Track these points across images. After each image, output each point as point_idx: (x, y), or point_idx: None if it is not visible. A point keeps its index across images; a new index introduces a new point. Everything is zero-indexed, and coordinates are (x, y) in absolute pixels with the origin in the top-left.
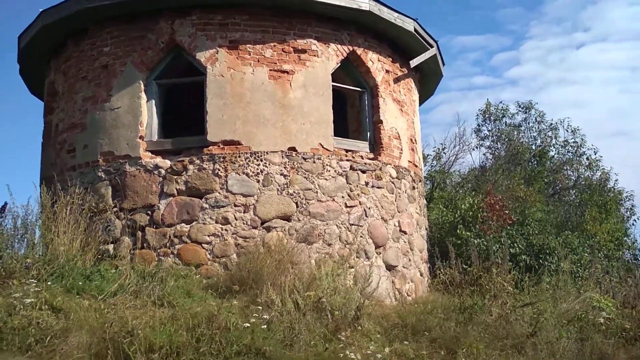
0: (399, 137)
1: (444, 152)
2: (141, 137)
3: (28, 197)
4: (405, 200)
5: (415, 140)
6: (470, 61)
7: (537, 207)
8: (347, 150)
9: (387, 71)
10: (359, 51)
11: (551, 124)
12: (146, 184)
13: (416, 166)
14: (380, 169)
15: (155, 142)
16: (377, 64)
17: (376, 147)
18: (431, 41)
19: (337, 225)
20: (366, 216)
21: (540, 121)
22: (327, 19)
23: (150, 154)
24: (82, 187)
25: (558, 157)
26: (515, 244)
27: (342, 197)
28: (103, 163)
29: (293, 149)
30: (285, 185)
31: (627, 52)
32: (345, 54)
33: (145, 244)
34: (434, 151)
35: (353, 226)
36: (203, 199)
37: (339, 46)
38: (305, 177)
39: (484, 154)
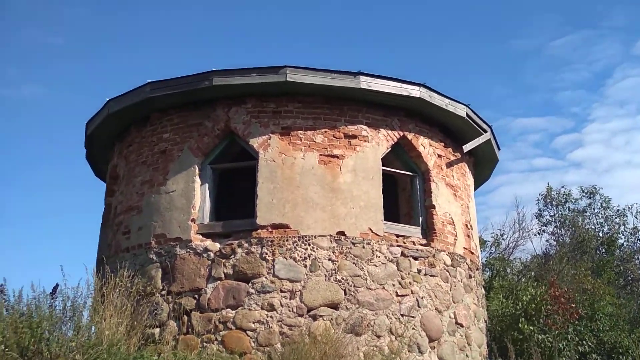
0: (453, 222)
1: (503, 239)
2: (193, 220)
3: (79, 279)
4: (461, 289)
5: (470, 226)
6: (531, 143)
7: (607, 300)
8: (398, 236)
9: (440, 155)
10: (410, 136)
11: (618, 209)
12: (195, 267)
13: (472, 253)
14: (434, 256)
15: (207, 225)
16: (429, 148)
17: (429, 232)
18: (485, 126)
19: (387, 316)
20: (419, 306)
21: (607, 207)
22: (378, 105)
23: (200, 236)
24: (133, 269)
25: (628, 245)
26: (584, 342)
27: (393, 285)
28: (155, 245)
29: (342, 233)
30: (333, 271)
31: None
32: (395, 139)
33: (190, 329)
34: (492, 237)
35: (404, 317)
36: (250, 284)
37: (389, 131)
38: (354, 263)
39: (546, 241)
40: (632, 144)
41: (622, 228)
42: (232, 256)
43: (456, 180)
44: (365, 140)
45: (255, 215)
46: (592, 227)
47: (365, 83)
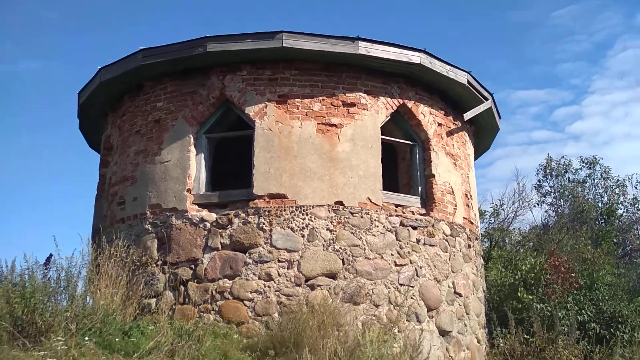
0: (453, 192)
1: (502, 209)
2: (188, 190)
3: (74, 249)
4: (460, 259)
5: (470, 195)
6: (530, 115)
7: (607, 270)
8: (397, 205)
9: (440, 124)
10: (410, 104)
11: (618, 180)
12: (191, 237)
13: (472, 223)
14: (433, 226)
15: (202, 195)
16: (429, 116)
17: (428, 202)
18: (486, 94)
19: (385, 285)
20: (417, 276)
21: (607, 177)
22: (377, 73)
23: (196, 207)
24: (129, 239)
25: (627, 215)
26: (583, 311)
27: (392, 254)
28: (150, 216)
29: (340, 203)
30: (331, 241)
31: None
32: (395, 107)
33: (187, 299)
34: (491, 207)
35: (403, 286)
36: (247, 254)
37: (389, 99)
38: (352, 233)
39: (545, 211)
40: (631, 115)
41: (621, 198)
42: (229, 226)
43: (456, 150)
44: (364, 109)
45: (252, 185)
46: (592, 197)
47: (364, 49)
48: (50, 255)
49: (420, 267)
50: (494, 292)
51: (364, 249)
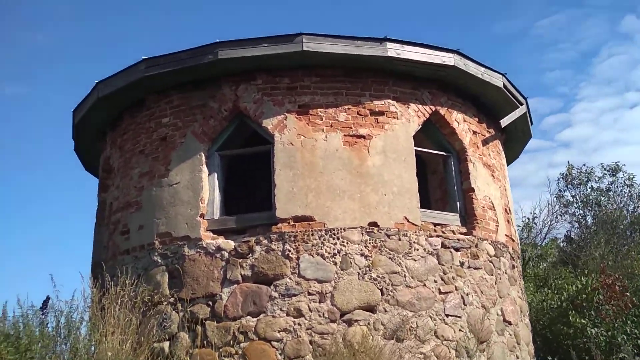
0: (494, 207)
1: (535, 223)
2: (202, 215)
3: (74, 290)
4: (507, 282)
5: (509, 210)
6: None
7: None
8: (435, 224)
9: (475, 132)
10: (442, 111)
11: None
12: (207, 269)
13: (513, 240)
14: (476, 246)
15: (217, 220)
16: (463, 124)
17: (468, 219)
18: (520, 98)
19: (430, 317)
20: (464, 304)
21: (631, 185)
22: (406, 77)
23: (211, 234)
24: (135, 274)
25: None
26: None
27: (435, 281)
28: (159, 246)
29: (374, 224)
30: (367, 268)
31: None
32: (427, 115)
33: (205, 342)
34: (522, 221)
35: (449, 317)
36: (272, 286)
37: (420, 106)
38: (389, 258)
39: (569, 223)
40: (620, 122)
41: None
42: (250, 255)
43: (492, 160)
44: (394, 117)
45: (273, 207)
46: (618, 206)
47: (394, 50)
48: (48, 297)
49: (467, 294)
50: (535, 315)
51: (404, 275)
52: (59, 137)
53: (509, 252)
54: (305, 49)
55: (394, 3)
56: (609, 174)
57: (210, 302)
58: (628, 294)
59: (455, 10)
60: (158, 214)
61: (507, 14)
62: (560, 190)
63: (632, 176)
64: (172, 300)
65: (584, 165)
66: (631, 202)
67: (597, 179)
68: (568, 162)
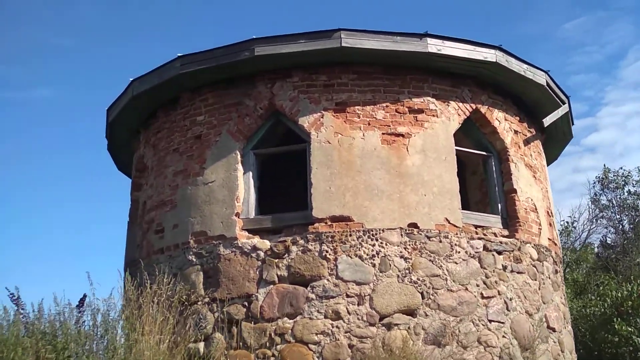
0: (536, 209)
1: (574, 227)
2: (237, 215)
3: (112, 288)
4: (550, 287)
5: (551, 212)
6: None
7: None
8: (476, 227)
9: (516, 132)
10: (483, 109)
11: None
12: (243, 269)
13: (555, 244)
14: (519, 249)
15: (253, 219)
16: (504, 123)
17: (510, 221)
18: (563, 97)
19: (473, 322)
20: (507, 310)
21: None
22: (445, 74)
23: (247, 233)
24: (170, 273)
25: None
26: None
27: (477, 285)
28: (194, 245)
29: (414, 225)
30: (407, 271)
31: None
32: (468, 113)
33: (240, 343)
34: (561, 225)
35: (492, 323)
36: (309, 288)
37: (460, 104)
38: (430, 260)
39: (605, 227)
40: None
41: None
42: (286, 255)
43: (534, 160)
44: (433, 115)
45: (310, 207)
46: None
47: (435, 46)
48: (85, 295)
49: (510, 299)
50: (576, 322)
51: (446, 279)
52: (90, 139)
53: (552, 257)
54: (343, 44)
55: (409, 3)
56: None
57: (246, 303)
58: None
59: (478, 11)
60: (193, 213)
61: (531, 15)
62: (596, 194)
63: None
64: (207, 300)
65: (621, 168)
66: None
67: (634, 182)
68: (604, 165)
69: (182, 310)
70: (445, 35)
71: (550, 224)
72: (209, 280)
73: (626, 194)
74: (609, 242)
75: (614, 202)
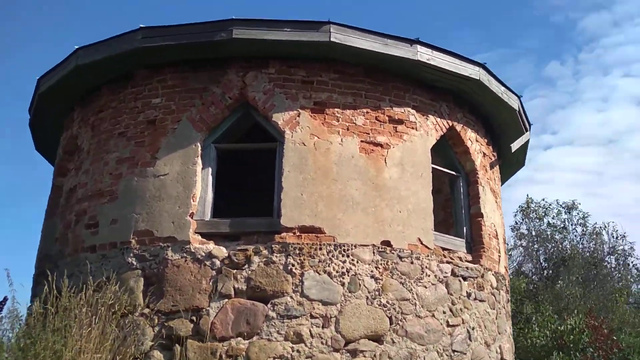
0: (497, 235)
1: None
2: (191, 215)
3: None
4: (504, 317)
5: (505, 240)
6: None
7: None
8: (443, 249)
9: (484, 154)
10: (458, 127)
11: (595, 227)
12: (194, 278)
13: (507, 271)
14: (482, 276)
15: (209, 222)
16: (475, 144)
17: (474, 247)
18: (527, 124)
19: (438, 352)
20: (470, 340)
21: (584, 224)
22: (426, 86)
23: (200, 237)
24: (100, 276)
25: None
26: None
27: (444, 312)
28: (137, 245)
29: (387, 243)
30: (377, 292)
31: (593, 157)
32: (445, 130)
33: None
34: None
35: (456, 353)
36: (269, 305)
37: (438, 119)
38: (401, 283)
39: (521, 256)
40: (534, 161)
41: (604, 247)
42: (246, 266)
43: (496, 185)
44: (413, 127)
45: (277, 214)
46: (572, 243)
47: (425, 55)
48: (5, 298)
49: (473, 329)
50: (520, 354)
51: (415, 304)
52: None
53: (505, 285)
54: (332, 39)
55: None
56: (565, 211)
57: (194, 318)
58: (615, 337)
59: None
60: (138, 209)
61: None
62: (517, 222)
63: (586, 215)
64: (146, 311)
65: (543, 199)
66: (583, 241)
67: (554, 214)
68: (527, 195)
69: (119, 322)
70: (435, 45)
71: (505, 252)
72: (150, 289)
73: (545, 225)
74: (524, 270)
75: (533, 232)
